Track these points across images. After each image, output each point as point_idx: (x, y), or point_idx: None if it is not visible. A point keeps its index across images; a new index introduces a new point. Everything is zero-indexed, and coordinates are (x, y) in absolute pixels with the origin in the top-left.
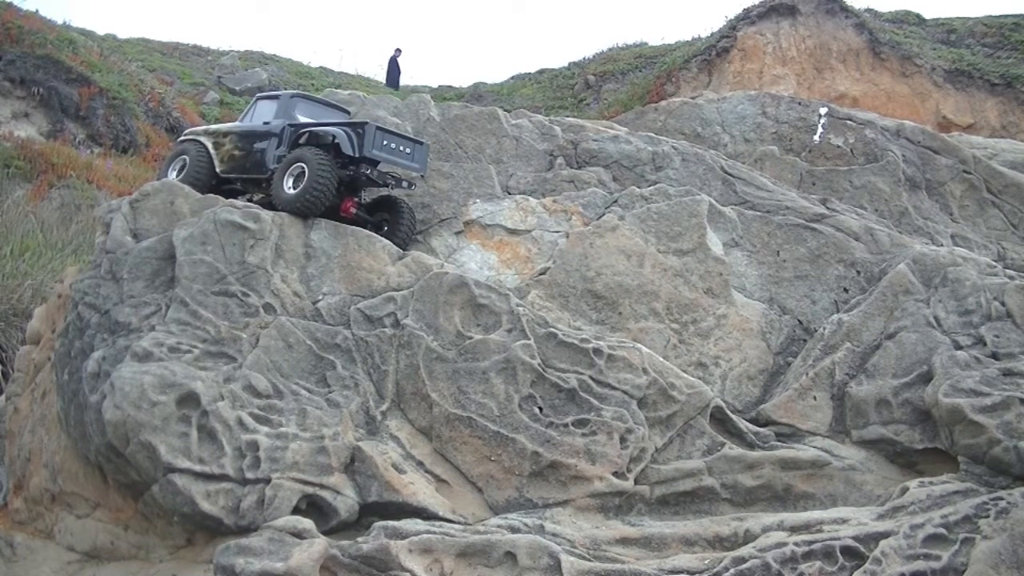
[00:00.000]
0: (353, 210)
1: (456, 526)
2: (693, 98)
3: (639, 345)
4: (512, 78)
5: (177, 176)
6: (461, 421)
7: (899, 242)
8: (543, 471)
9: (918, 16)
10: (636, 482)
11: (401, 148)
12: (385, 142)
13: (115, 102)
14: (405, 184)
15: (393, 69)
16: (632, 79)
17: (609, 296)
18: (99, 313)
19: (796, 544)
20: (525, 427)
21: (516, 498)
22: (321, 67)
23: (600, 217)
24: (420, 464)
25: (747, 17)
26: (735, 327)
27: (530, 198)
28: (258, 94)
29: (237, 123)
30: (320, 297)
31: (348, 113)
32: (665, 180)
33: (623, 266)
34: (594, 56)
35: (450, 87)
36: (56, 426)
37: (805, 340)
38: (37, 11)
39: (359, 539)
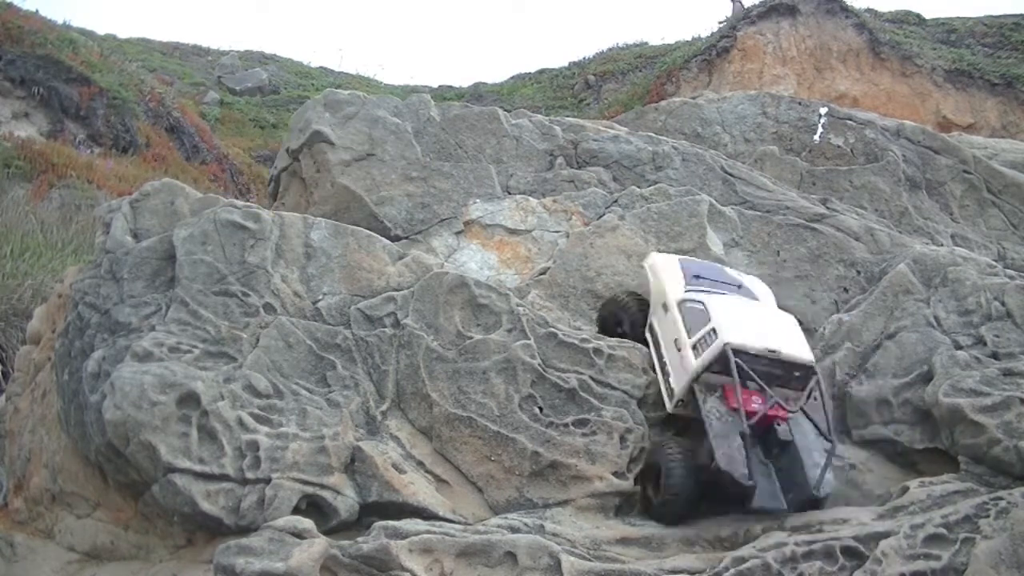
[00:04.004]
0: None
1: (456, 526)
2: (693, 98)
3: (639, 345)
4: (512, 78)
5: None
6: (461, 421)
7: (899, 242)
8: (543, 471)
9: (918, 16)
10: (636, 482)
11: None
12: None
13: (115, 102)
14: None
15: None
16: (632, 79)
17: (610, 296)
18: (99, 313)
19: (796, 544)
20: (525, 427)
21: (516, 498)
22: (321, 67)
23: (600, 217)
24: (420, 464)
25: (747, 17)
26: None
27: (530, 198)
28: None
29: None
30: (320, 297)
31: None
32: (665, 180)
33: (623, 266)
34: (594, 56)
35: (450, 87)
36: (56, 426)
37: None
38: (37, 11)
39: (359, 539)
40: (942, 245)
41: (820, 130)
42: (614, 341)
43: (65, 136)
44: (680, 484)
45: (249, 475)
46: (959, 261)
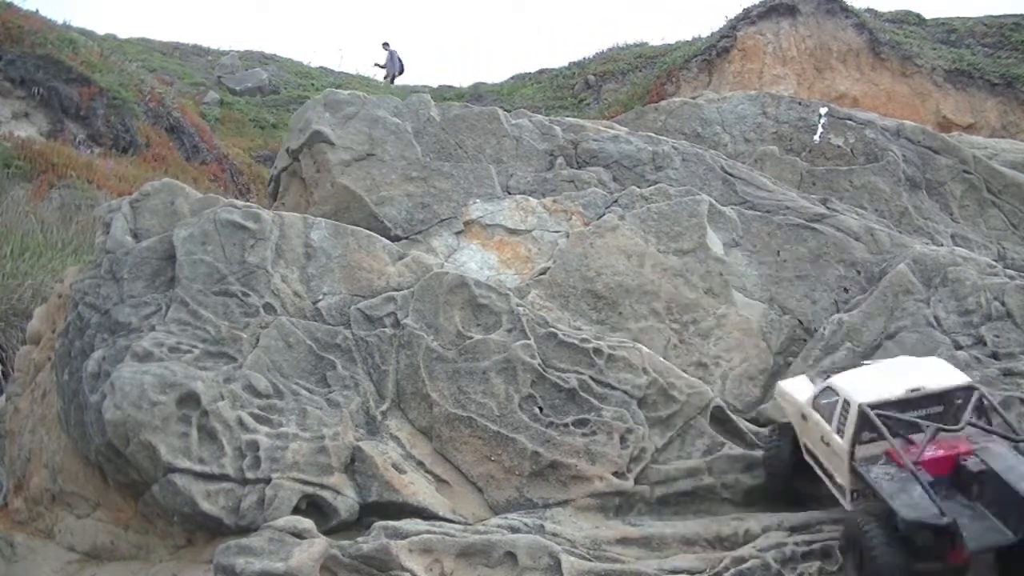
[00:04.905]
0: None
1: (456, 526)
2: (693, 98)
3: (639, 345)
4: (512, 78)
5: None
6: (461, 421)
7: (899, 242)
8: (543, 471)
9: (918, 16)
10: (636, 482)
11: None
12: None
13: (115, 102)
14: None
15: (395, 62)
16: (632, 79)
17: (609, 296)
18: (99, 313)
19: (796, 544)
20: (525, 427)
21: (516, 498)
22: (321, 67)
23: (600, 217)
24: (420, 464)
25: (747, 17)
26: (735, 327)
27: (530, 198)
28: None
29: None
30: (320, 297)
31: None
32: (665, 180)
33: (623, 266)
34: (594, 56)
35: (450, 87)
36: (56, 426)
37: (805, 340)
38: (37, 11)
39: (359, 539)
40: (942, 245)
41: (820, 130)
42: (614, 341)
43: (65, 136)
44: (885, 557)
45: (249, 475)
46: (959, 261)
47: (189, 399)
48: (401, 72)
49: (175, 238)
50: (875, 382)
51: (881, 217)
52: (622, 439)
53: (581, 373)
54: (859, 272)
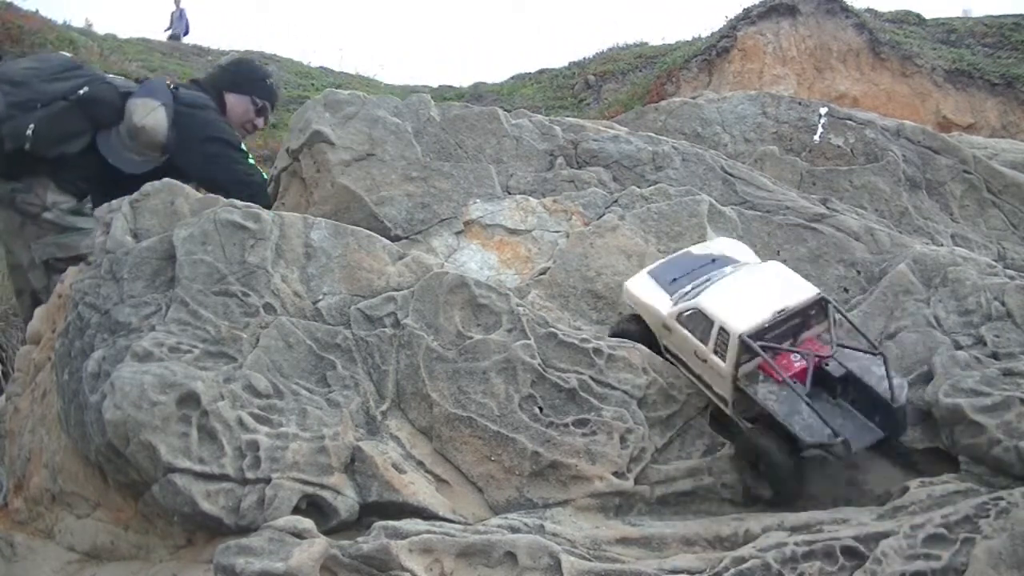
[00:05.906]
0: None
1: (456, 526)
2: (693, 98)
3: (639, 345)
4: (512, 78)
5: None
6: (461, 421)
7: (899, 242)
8: (543, 471)
9: (918, 16)
10: (636, 482)
11: None
12: None
13: None
14: None
15: (182, 21)
16: (632, 79)
17: (609, 296)
18: (99, 313)
19: (796, 544)
20: (525, 427)
21: (516, 498)
22: (321, 67)
23: (600, 217)
24: (420, 464)
25: (747, 17)
26: None
27: (530, 198)
28: None
29: None
30: (320, 297)
31: None
32: (665, 180)
33: (623, 266)
34: (594, 56)
35: (450, 87)
36: (56, 426)
37: None
38: (37, 11)
39: (359, 539)
40: (942, 245)
41: (820, 130)
42: (614, 341)
43: None
44: (783, 463)
45: (249, 475)
46: (959, 261)
47: (189, 399)
48: (186, 33)
49: (175, 238)
50: (743, 305)
51: (881, 217)
52: (622, 439)
53: (581, 373)
54: (859, 272)
